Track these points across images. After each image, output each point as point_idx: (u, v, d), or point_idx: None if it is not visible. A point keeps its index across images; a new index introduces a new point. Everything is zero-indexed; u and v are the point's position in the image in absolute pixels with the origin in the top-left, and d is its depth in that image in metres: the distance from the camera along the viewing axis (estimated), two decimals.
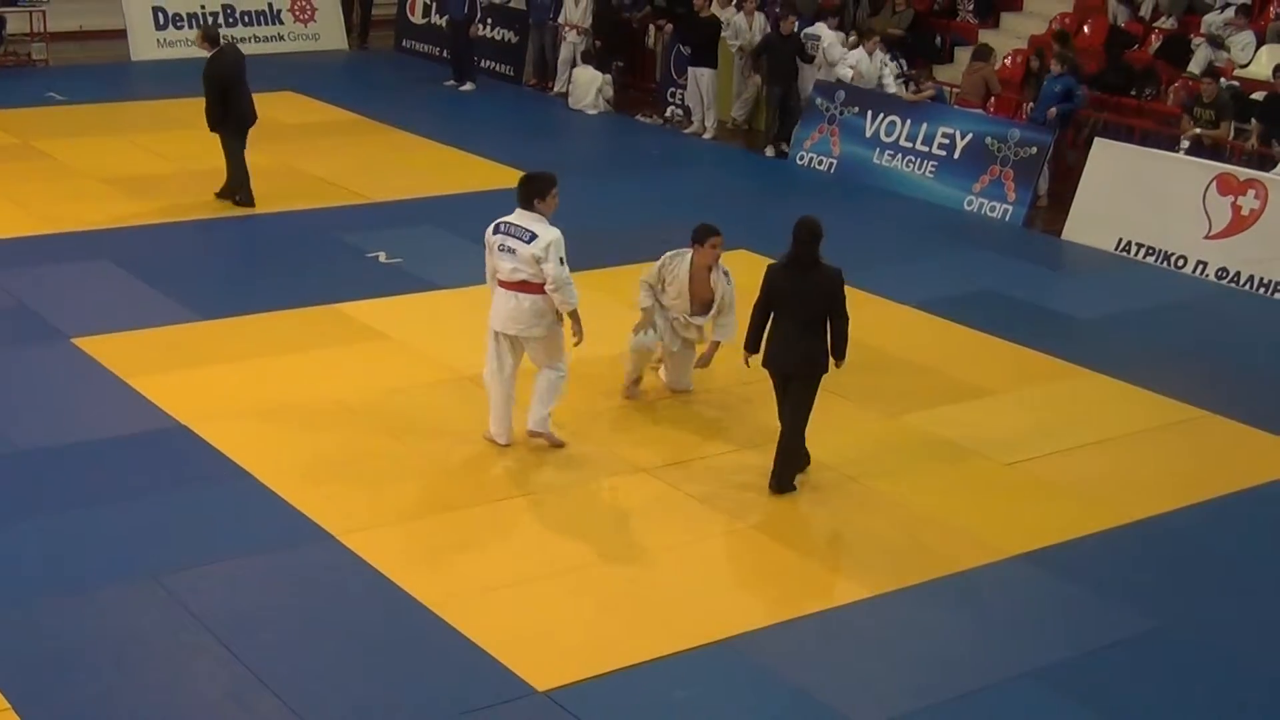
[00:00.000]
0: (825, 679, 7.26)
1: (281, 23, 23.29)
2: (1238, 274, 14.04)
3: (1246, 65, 17.08)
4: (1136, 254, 14.74)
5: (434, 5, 22.98)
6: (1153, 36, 18.54)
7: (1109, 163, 15.31)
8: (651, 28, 21.07)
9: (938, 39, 19.91)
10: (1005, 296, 13.25)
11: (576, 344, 9.34)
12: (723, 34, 18.99)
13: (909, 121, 17.05)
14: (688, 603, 7.86)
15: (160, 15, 22.21)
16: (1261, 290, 13.88)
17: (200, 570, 7.89)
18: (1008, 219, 15.85)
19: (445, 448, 9.53)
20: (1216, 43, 17.32)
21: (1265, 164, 15.02)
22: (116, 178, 15.41)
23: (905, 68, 18.37)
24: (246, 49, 17.40)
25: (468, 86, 20.97)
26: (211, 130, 14.45)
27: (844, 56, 17.90)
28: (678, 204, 14.87)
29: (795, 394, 9.01)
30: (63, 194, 14.83)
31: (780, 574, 8.31)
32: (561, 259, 9.03)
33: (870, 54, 17.66)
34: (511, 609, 7.70)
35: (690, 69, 19.07)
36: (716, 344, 10.10)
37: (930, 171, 16.69)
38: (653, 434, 9.90)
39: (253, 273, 13.23)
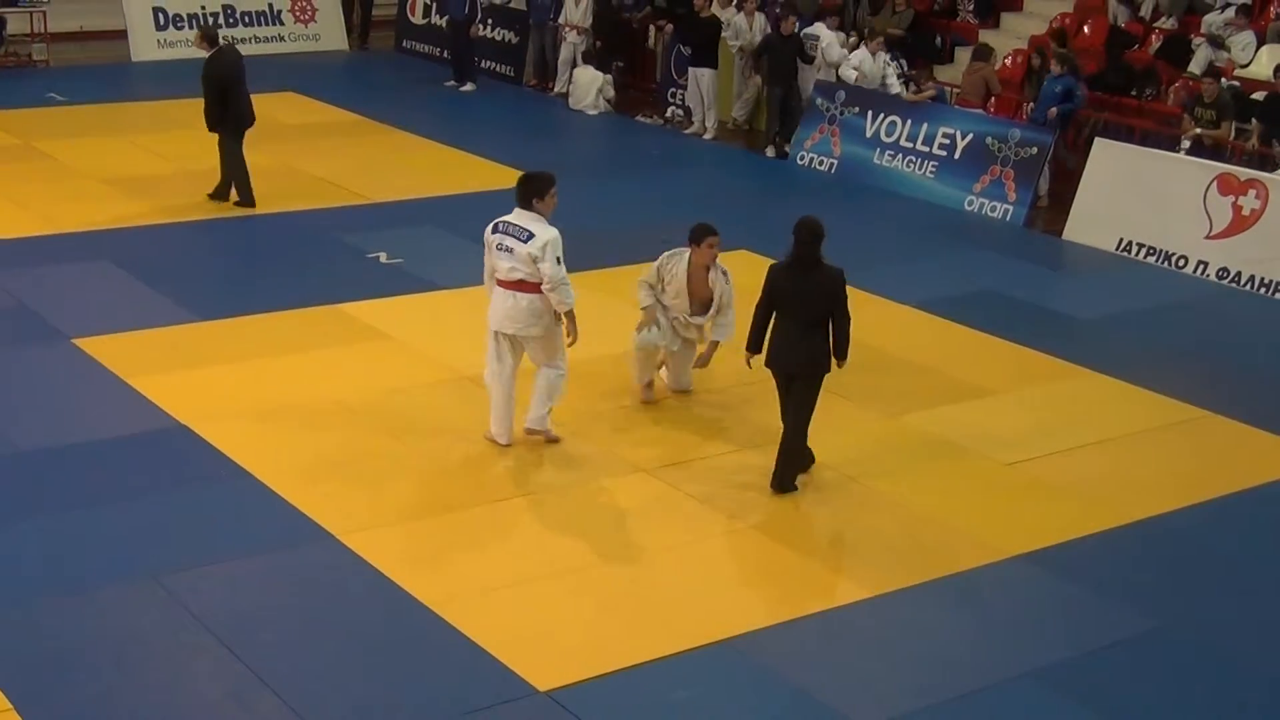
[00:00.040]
0: (826, 679, 7.26)
1: (282, 23, 23.29)
2: (1238, 274, 14.04)
3: (1247, 65, 17.08)
4: (1137, 254, 14.73)
5: (434, 6, 22.98)
6: (1153, 36, 18.53)
7: (1109, 163, 15.30)
8: (652, 28, 21.09)
9: (938, 39, 19.91)
10: (1006, 296, 13.24)
11: (570, 344, 9.35)
12: (723, 34, 18.98)
13: (909, 122, 17.05)
14: (688, 603, 7.86)
15: (161, 16, 22.21)
16: (1262, 290, 13.88)
17: (200, 570, 7.89)
18: (1008, 219, 15.85)
19: (445, 448, 9.53)
20: (1217, 43, 17.32)
21: (1266, 164, 15.02)
22: (117, 178, 15.41)
23: (905, 68, 18.38)
24: (247, 49, 17.44)
25: (468, 87, 20.98)
26: (210, 130, 14.45)
27: (846, 57, 17.91)
28: (678, 204, 14.86)
29: (798, 394, 9.01)
30: (63, 194, 14.83)
31: (780, 574, 8.31)
32: (558, 259, 9.04)
33: (874, 54, 17.66)
34: (512, 609, 7.70)
35: (691, 69, 19.07)
36: (715, 344, 10.11)
37: (931, 172, 16.69)
38: (653, 434, 9.90)
39: (253, 273, 13.22)
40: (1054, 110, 16.09)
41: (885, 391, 10.71)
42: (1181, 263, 14.43)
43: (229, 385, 10.34)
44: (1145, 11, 19.04)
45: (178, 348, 10.95)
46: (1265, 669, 7.62)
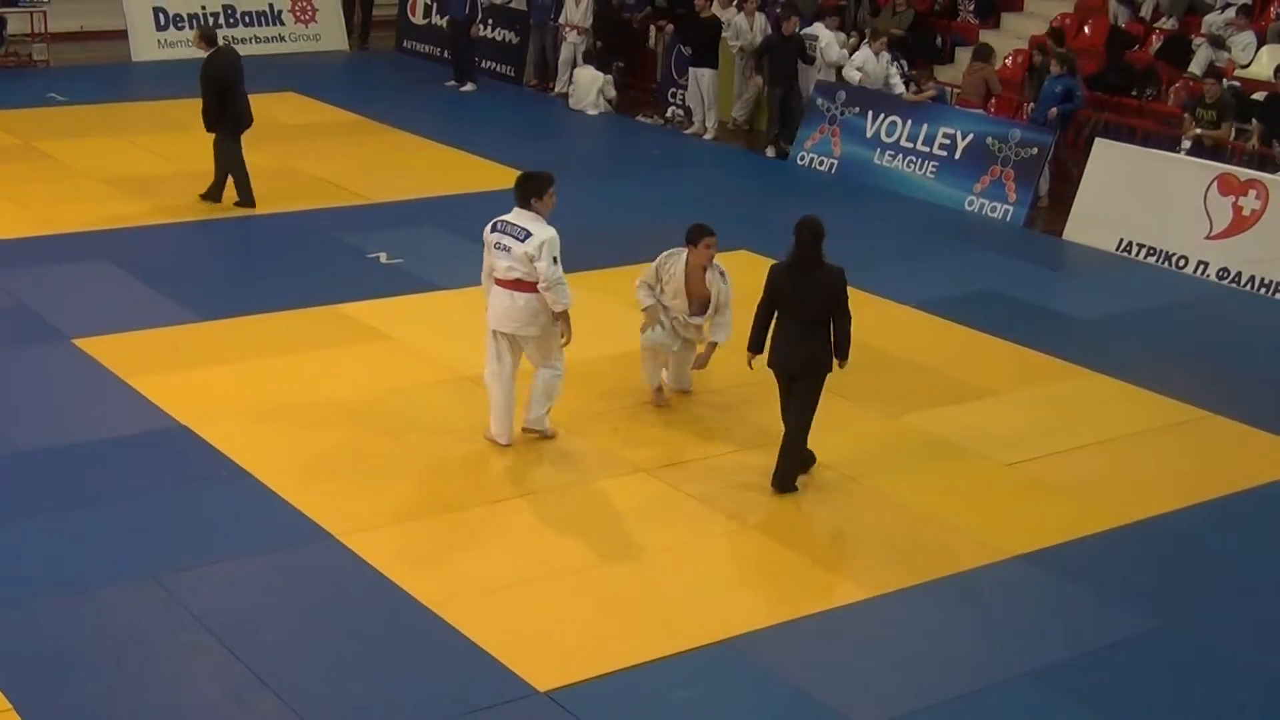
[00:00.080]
0: (826, 679, 7.26)
1: (282, 23, 23.29)
2: (1239, 274, 14.04)
3: (1247, 65, 17.07)
4: (1137, 254, 14.73)
5: (435, 6, 22.98)
6: (1153, 37, 18.53)
7: (1110, 163, 15.31)
8: (652, 28, 21.09)
9: (938, 39, 19.91)
10: (1006, 297, 13.24)
11: (564, 345, 9.35)
12: (723, 34, 18.99)
13: (910, 122, 17.05)
14: (688, 603, 7.86)
15: (161, 16, 22.21)
16: (1262, 290, 13.88)
17: (200, 570, 7.89)
18: (1008, 219, 15.85)
19: (445, 448, 9.53)
20: (1217, 43, 17.32)
21: (1266, 164, 15.02)
22: (117, 178, 15.41)
23: (906, 68, 18.37)
24: (247, 49, 17.47)
25: (468, 87, 20.98)
26: (208, 130, 14.45)
27: (848, 57, 17.90)
28: (678, 204, 14.84)
29: (799, 394, 9.01)
30: (63, 194, 14.83)
31: (780, 574, 8.31)
32: (555, 258, 9.03)
33: (877, 54, 17.65)
34: (512, 609, 7.70)
35: (691, 69, 19.07)
36: (713, 345, 10.09)
37: (931, 172, 16.69)
38: (653, 434, 9.90)
39: (253, 273, 13.22)
40: (1054, 110, 16.09)
41: (885, 391, 10.71)
42: (1182, 263, 14.43)
43: (229, 385, 10.34)
44: (1145, 12, 19.04)
45: (178, 348, 10.95)
46: (1265, 669, 7.61)
